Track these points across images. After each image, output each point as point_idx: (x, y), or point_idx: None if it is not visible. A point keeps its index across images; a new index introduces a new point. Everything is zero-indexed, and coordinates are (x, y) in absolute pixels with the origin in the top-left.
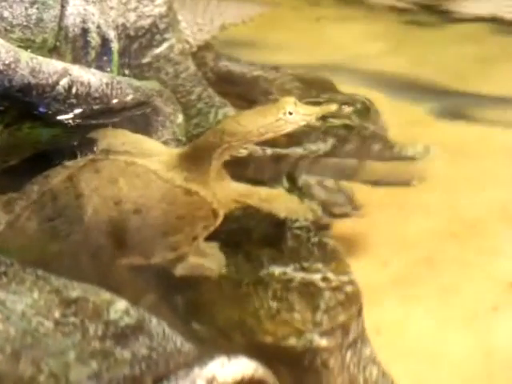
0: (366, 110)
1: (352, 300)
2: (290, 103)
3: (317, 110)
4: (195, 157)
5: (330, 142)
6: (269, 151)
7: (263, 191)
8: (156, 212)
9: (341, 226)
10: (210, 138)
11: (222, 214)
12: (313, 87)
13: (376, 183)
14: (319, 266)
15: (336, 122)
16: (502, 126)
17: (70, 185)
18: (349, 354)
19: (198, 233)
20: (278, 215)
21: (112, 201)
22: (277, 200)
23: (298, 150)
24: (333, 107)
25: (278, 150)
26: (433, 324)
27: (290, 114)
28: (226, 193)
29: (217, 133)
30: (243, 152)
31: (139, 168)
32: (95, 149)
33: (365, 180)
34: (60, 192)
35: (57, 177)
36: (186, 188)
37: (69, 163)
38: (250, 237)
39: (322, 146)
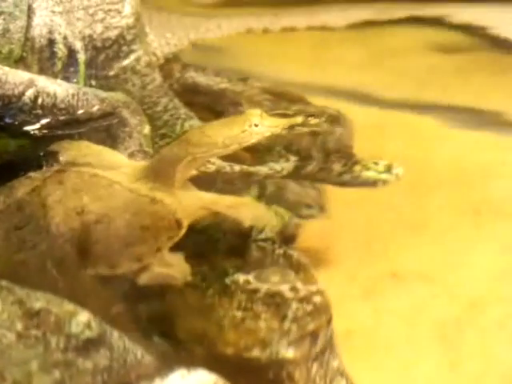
0: (334, 121)
1: (321, 310)
2: (255, 115)
3: (283, 122)
4: (160, 168)
5: (293, 159)
6: (236, 167)
7: (229, 199)
8: (119, 222)
9: (306, 237)
10: (175, 149)
11: (186, 223)
12: (282, 99)
13: (343, 184)
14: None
15: (304, 129)
16: (474, 128)
17: (34, 196)
18: (315, 367)
19: (161, 244)
20: (243, 223)
21: (75, 211)
22: (243, 207)
23: (263, 169)
24: (298, 119)
25: (245, 168)
26: (402, 334)
27: (256, 125)
28: (192, 201)
29: (182, 144)
30: (211, 167)
31: (102, 179)
32: (59, 160)
33: (333, 181)
34: (25, 203)
35: (22, 188)
36: (150, 196)
37: (33, 174)
38: (216, 248)
39: (285, 165)
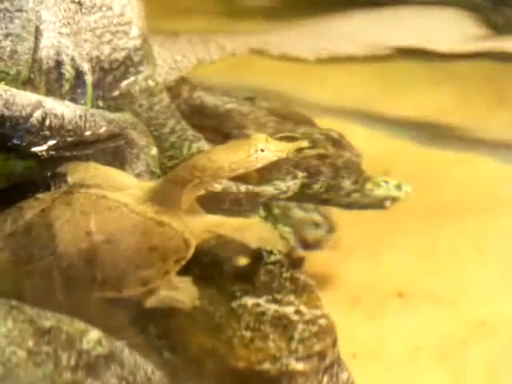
0: (337, 145)
1: (326, 332)
2: (261, 140)
3: (288, 147)
4: (166, 191)
5: (301, 177)
6: (242, 188)
7: (235, 221)
8: (127, 243)
9: (313, 259)
10: (181, 172)
11: (194, 244)
12: (288, 120)
13: (350, 206)
14: (291, 298)
15: (311, 152)
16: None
17: (42, 217)
18: (325, 379)
19: (169, 267)
20: (249, 246)
21: (83, 232)
22: (249, 229)
23: (268, 189)
24: (304, 143)
25: (251, 188)
26: (406, 353)
27: (262, 150)
28: (198, 223)
29: (188, 167)
30: (218, 187)
31: (110, 201)
32: (67, 181)
33: (339, 203)
34: (33, 224)
35: (30, 209)
36: (157, 220)
37: (41, 195)
38: (223, 271)
39: (291, 184)
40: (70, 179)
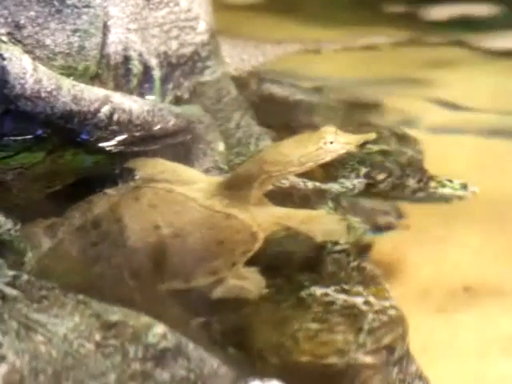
0: (402, 141)
1: (397, 322)
2: (330, 132)
3: (357, 139)
4: (235, 186)
5: (364, 171)
6: (309, 184)
7: (302, 213)
8: (195, 236)
9: (380, 247)
10: (251, 167)
11: (261, 237)
12: (356, 112)
13: (417, 201)
14: (360, 289)
15: (374, 148)
16: None
17: (111, 212)
18: (395, 371)
19: (236, 259)
20: (315, 238)
21: (151, 226)
22: (315, 222)
23: (335, 187)
24: (372, 135)
25: (318, 185)
26: (476, 347)
27: (331, 143)
28: (266, 216)
29: (257, 162)
30: (285, 183)
31: (178, 195)
32: (135, 177)
33: (407, 199)
34: (102, 218)
35: (98, 204)
36: (225, 212)
37: (109, 191)
38: (291, 261)
39: (357, 182)
40: (139, 174)
